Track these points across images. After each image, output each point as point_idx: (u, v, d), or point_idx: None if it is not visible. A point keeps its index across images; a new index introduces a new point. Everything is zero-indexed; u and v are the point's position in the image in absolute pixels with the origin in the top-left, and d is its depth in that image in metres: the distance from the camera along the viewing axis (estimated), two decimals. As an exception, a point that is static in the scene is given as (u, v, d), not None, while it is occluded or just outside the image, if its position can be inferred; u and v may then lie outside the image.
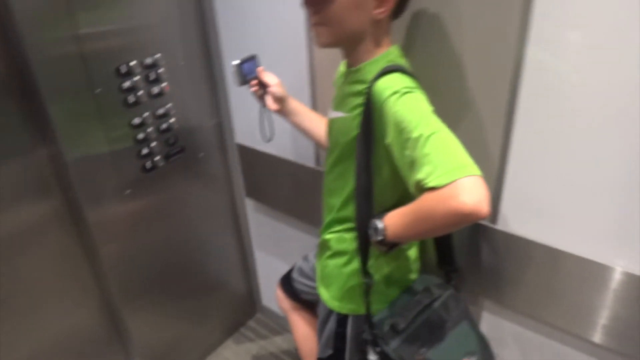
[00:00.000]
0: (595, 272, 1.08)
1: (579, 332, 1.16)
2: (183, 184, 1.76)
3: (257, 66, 1.26)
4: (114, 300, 1.65)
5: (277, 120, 1.58)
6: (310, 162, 1.59)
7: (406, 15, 1.06)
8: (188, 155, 1.72)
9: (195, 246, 1.90)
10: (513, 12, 0.99)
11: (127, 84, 1.45)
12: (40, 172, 1.37)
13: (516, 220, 1.18)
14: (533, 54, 1.00)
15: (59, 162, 1.38)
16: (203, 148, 1.79)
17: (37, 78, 1.25)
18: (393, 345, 0.99)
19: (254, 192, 1.88)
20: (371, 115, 0.93)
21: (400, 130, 0.85)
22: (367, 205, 1.01)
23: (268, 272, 2.14)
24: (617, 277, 1.05)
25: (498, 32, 1.03)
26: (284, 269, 1.60)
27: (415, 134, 0.82)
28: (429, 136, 0.81)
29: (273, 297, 2.18)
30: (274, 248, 2.02)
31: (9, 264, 1.35)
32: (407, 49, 1.15)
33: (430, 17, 1.11)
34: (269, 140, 1.41)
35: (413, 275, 1.18)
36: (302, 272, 1.46)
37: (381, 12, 0.93)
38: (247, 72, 1.25)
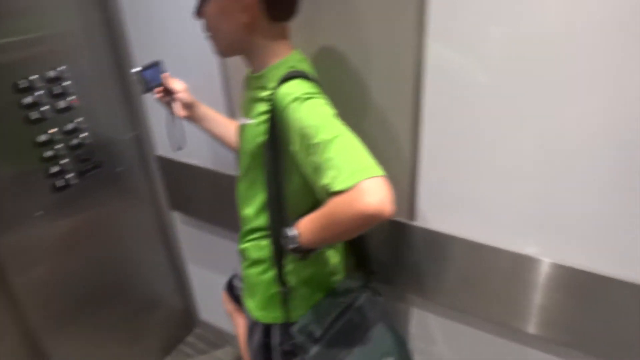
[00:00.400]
0: (515, 262, 1.10)
1: (508, 322, 1.18)
2: (103, 201, 1.67)
3: (162, 72, 1.21)
4: (34, 332, 1.55)
5: (196, 130, 1.54)
6: (231, 170, 1.55)
7: (303, 18, 1.05)
8: (105, 170, 1.64)
9: (123, 265, 1.82)
10: (409, 7, 1.00)
11: (28, 100, 1.37)
12: None
13: (434, 216, 1.19)
14: (433, 48, 1.01)
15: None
16: (122, 162, 1.71)
17: None
18: (312, 354, 0.97)
19: (179, 204, 1.83)
20: (276, 122, 0.92)
21: (303, 136, 0.85)
22: (280, 214, 1.00)
23: (204, 285, 2.08)
24: (540, 267, 1.08)
25: (396, 29, 1.04)
26: (219, 280, 1.56)
27: (317, 139, 0.82)
28: (330, 140, 0.81)
29: (211, 311, 2.13)
30: (207, 260, 1.96)
31: None
32: (308, 53, 1.14)
33: (328, 19, 1.11)
34: (179, 148, 1.36)
35: (336, 277, 1.17)
36: (240, 278, 1.42)
37: (248, 18, 0.92)
38: (151, 79, 1.19)
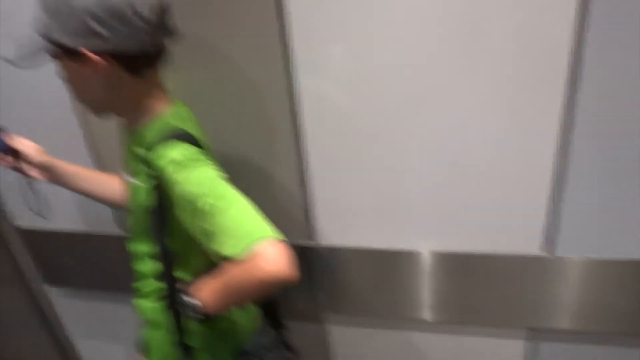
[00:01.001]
0: (407, 258, 1.17)
1: (411, 315, 1.24)
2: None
3: (5, 134, 1.05)
4: None
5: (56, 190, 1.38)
6: (109, 228, 1.41)
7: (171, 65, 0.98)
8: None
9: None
10: (273, 40, 1.02)
11: None
12: None
13: (333, 233, 1.19)
14: (302, 80, 1.05)
15: None
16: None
17: None
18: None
19: (55, 278, 1.61)
20: (159, 187, 0.86)
21: (187, 202, 0.80)
22: (171, 280, 0.94)
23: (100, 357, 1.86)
24: (425, 258, 1.16)
25: (265, 59, 1.04)
26: (117, 350, 1.38)
27: (201, 205, 0.78)
28: (219, 206, 0.77)
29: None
30: (100, 332, 1.75)
31: None
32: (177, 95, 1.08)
33: (197, 64, 1.09)
34: (42, 216, 1.19)
35: (245, 335, 1.09)
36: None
37: (100, 79, 0.85)
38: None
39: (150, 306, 1.03)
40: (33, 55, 0.82)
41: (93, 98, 0.91)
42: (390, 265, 1.19)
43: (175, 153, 0.83)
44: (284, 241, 0.75)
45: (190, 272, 0.95)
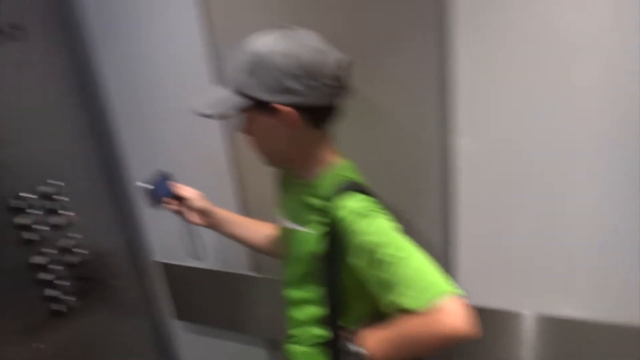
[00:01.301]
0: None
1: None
2: (102, 321, 1.52)
3: (170, 182, 1.14)
4: None
5: (205, 232, 1.46)
6: (244, 270, 1.47)
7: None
8: (104, 287, 1.51)
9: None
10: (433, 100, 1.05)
11: (21, 221, 1.25)
12: None
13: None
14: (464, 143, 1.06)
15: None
16: (118, 276, 1.58)
17: None
18: None
19: (184, 312, 1.69)
20: (334, 236, 0.89)
21: (368, 251, 0.82)
22: (338, 328, 0.96)
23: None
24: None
25: (423, 117, 1.08)
26: None
27: (383, 255, 0.80)
28: (398, 256, 0.79)
29: None
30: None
31: None
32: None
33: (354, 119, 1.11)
34: (199, 259, 1.26)
35: None
36: None
37: (290, 131, 0.90)
38: (159, 192, 1.11)
39: (305, 351, 1.04)
40: (226, 109, 0.89)
41: (274, 149, 0.96)
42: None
43: (354, 204, 0.86)
44: (463, 297, 0.75)
45: (352, 320, 0.96)
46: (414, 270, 0.78)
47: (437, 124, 1.07)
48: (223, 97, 0.90)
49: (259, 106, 0.88)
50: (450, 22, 0.98)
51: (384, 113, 1.11)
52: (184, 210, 1.16)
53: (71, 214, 1.38)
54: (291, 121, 0.87)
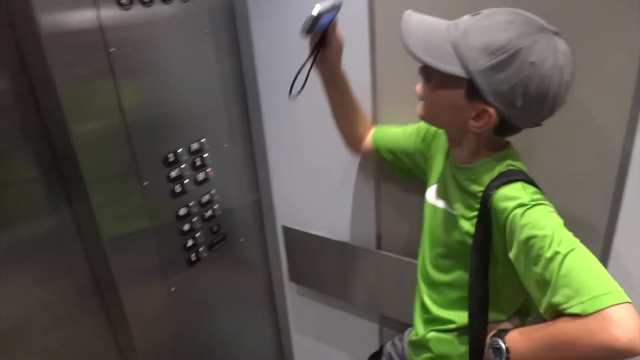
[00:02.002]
0: None
1: None
2: (223, 273, 1.61)
3: (334, 19, 1.03)
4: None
5: (330, 202, 1.47)
6: (369, 245, 1.48)
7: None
8: (230, 242, 1.59)
9: (229, 334, 1.73)
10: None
11: (174, 174, 1.34)
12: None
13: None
14: None
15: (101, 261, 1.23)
16: (244, 233, 1.66)
17: (83, 168, 1.11)
18: None
19: (297, 275, 1.75)
20: (490, 226, 0.86)
21: (529, 247, 0.77)
22: (482, 320, 0.93)
23: (307, 357, 1.97)
24: None
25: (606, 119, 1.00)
26: (326, 354, 1.43)
27: (548, 253, 0.74)
28: (565, 255, 0.73)
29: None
30: (316, 333, 1.86)
31: (35, 341, 1.16)
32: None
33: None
34: (293, 97, 1.10)
35: None
36: (390, 358, 1.32)
37: (477, 126, 0.85)
38: (321, 23, 0.98)
39: (441, 338, 1.04)
40: (438, 65, 0.82)
41: (445, 124, 0.94)
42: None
43: (522, 194, 0.82)
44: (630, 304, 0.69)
45: (498, 312, 0.94)
46: (582, 271, 0.72)
47: (625, 122, 0.98)
48: (441, 44, 0.82)
49: (470, 89, 0.82)
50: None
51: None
52: (319, 49, 1.06)
53: (210, 170, 1.45)
54: (484, 122, 0.83)
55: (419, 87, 0.92)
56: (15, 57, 1.00)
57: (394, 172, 1.28)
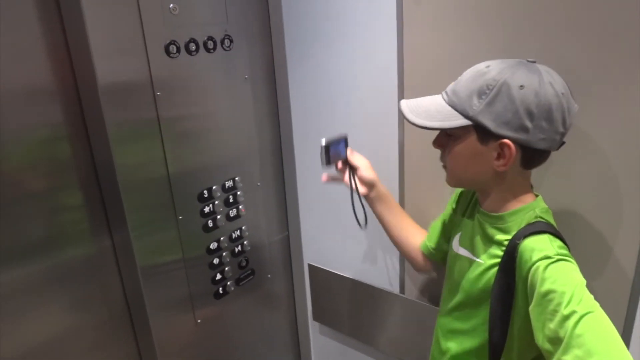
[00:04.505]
0: None
1: None
2: (249, 308, 1.65)
3: (346, 147, 1.19)
4: None
5: (356, 243, 1.52)
6: (393, 289, 1.50)
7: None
8: (257, 277, 1.64)
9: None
10: None
11: (207, 209, 1.41)
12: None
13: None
14: None
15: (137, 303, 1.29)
16: (271, 269, 1.71)
17: (124, 199, 1.19)
18: None
19: (321, 315, 1.77)
20: (513, 275, 0.87)
21: (548, 301, 0.78)
22: None
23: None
24: None
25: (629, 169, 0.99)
26: None
27: (566, 310, 0.74)
28: (582, 315, 0.73)
29: None
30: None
31: None
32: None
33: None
34: (363, 225, 1.27)
35: None
36: None
37: (502, 165, 0.87)
38: (335, 153, 1.16)
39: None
40: (444, 125, 0.89)
41: (471, 174, 0.94)
42: None
43: (548, 247, 0.83)
44: None
45: None
46: (597, 334, 0.72)
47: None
48: (440, 109, 0.90)
49: (480, 132, 0.86)
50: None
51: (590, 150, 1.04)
52: (354, 179, 1.19)
53: (241, 207, 1.52)
54: (507, 157, 0.86)
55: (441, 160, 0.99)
56: (71, 92, 1.11)
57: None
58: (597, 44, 0.97)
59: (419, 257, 1.26)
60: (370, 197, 1.22)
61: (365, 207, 1.27)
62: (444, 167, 0.98)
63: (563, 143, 0.88)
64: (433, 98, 0.94)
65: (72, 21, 1.05)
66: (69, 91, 1.11)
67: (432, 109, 0.91)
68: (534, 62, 0.86)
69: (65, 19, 1.06)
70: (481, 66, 0.87)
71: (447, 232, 1.18)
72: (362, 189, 1.20)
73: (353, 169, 1.20)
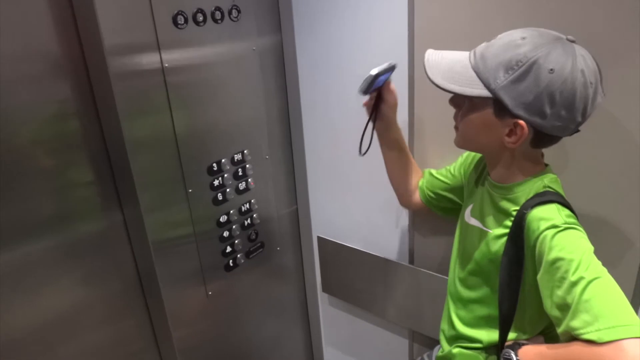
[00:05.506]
0: None
1: None
2: (259, 280, 1.67)
3: (389, 79, 1.12)
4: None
5: (365, 215, 1.51)
6: (402, 260, 1.51)
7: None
8: (267, 250, 1.65)
9: (262, 340, 1.78)
10: None
11: (217, 182, 1.41)
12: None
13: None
14: None
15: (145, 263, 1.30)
16: (280, 242, 1.72)
17: (134, 173, 1.18)
18: None
19: (330, 286, 1.79)
20: (522, 244, 0.87)
21: (556, 268, 0.78)
22: (503, 337, 0.95)
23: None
24: None
25: None
26: None
27: (573, 277, 0.75)
28: (590, 281, 0.74)
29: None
30: (347, 345, 1.89)
31: (79, 339, 1.24)
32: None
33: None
34: (363, 154, 1.19)
35: None
36: None
37: (511, 142, 0.86)
38: (377, 84, 1.07)
39: (465, 354, 1.05)
40: (462, 91, 0.86)
41: (480, 143, 0.94)
42: None
43: (556, 216, 0.82)
44: None
45: (521, 331, 0.95)
46: (605, 299, 0.73)
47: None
48: (463, 72, 0.86)
49: (497, 107, 0.85)
50: None
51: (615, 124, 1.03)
52: (376, 108, 1.14)
53: (250, 180, 1.51)
54: (517, 136, 0.85)
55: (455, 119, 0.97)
56: (79, 67, 1.09)
57: (438, 213, 1.27)
58: (626, 13, 0.93)
59: (411, 196, 1.27)
60: (382, 136, 1.20)
61: (371, 138, 1.20)
62: (456, 127, 0.96)
63: (577, 131, 0.87)
64: (459, 55, 0.89)
65: (79, -7, 1.03)
66: (77, 65, 1.09)
67: (455, 68, 0.87)
68: (573, 41, 0.82)
69: (71, -10, 1.04)
70: (516, 36, 0.82)
71: (453, 192, 1.18)
72: (380, 125, 1.17)
73: (380, 100, 1.14)
